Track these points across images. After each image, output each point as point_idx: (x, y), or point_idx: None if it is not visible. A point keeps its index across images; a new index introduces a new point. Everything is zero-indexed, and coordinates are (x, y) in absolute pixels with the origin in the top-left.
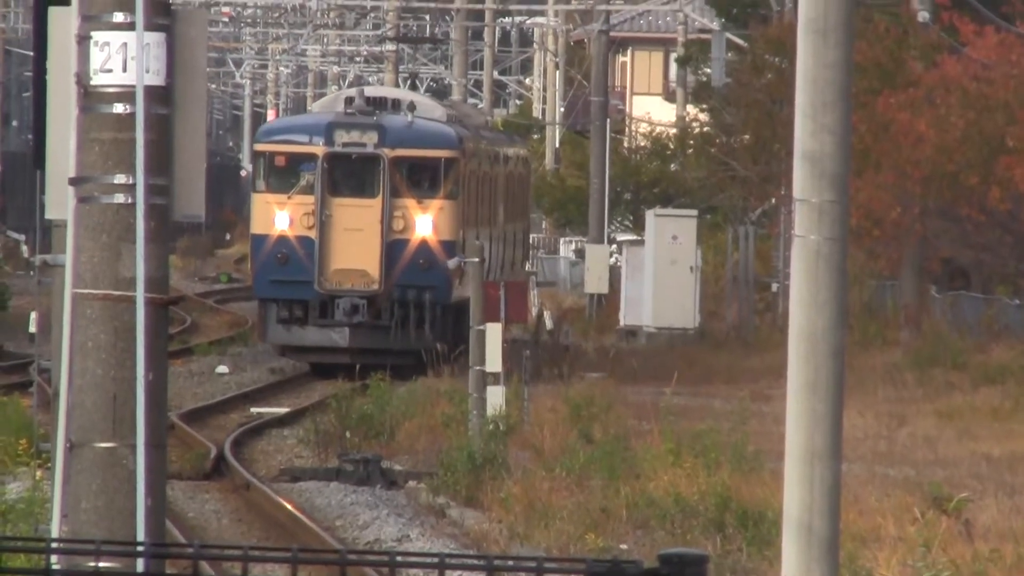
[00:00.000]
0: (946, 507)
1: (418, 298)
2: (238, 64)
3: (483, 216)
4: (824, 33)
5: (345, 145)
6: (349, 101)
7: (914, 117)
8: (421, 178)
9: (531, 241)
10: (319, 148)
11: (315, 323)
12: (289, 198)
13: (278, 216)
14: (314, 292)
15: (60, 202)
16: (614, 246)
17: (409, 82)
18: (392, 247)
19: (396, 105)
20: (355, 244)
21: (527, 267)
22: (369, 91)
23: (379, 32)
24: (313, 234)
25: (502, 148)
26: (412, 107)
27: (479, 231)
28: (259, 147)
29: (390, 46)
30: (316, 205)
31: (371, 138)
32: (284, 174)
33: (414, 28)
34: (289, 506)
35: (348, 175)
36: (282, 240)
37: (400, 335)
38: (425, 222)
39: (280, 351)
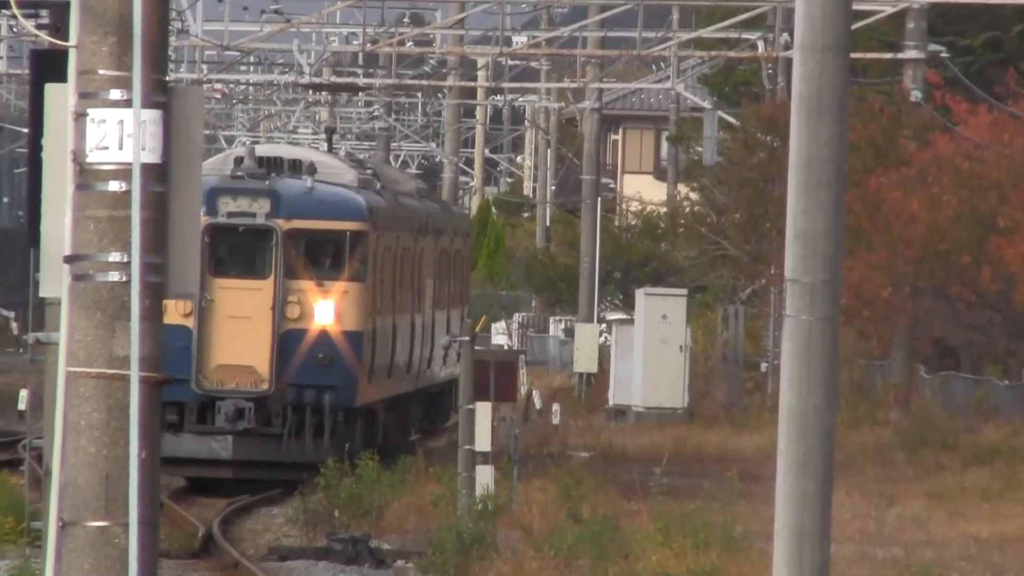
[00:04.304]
0: None
1: (316, 400)
2: (230, 141)
3: (402, 301)
4: (819, 111)
5: (231, 215)
6: (238, 162)
7: (906, 196)
8: (322, 255)
9: (520, 320)
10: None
11: (192, 430)
12: None
13: None
14: (191, 392)
15: (55, 280)
16: (604, 325)
17: (326, 139)
18: (286, 339)
19: (295, 167)
20: (241, 335)
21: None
22: (261, 150)
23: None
24: (190, 322)
25: (434, 219)
26: (312, 169)
27: (396, 318)
28: None
29: (381, 123)
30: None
31: (262, 207)
32: None
33: (406, 104)
34: None
35: (234, 251)
36: None
37: (294, 445)
38: (326, 308)
39: None
